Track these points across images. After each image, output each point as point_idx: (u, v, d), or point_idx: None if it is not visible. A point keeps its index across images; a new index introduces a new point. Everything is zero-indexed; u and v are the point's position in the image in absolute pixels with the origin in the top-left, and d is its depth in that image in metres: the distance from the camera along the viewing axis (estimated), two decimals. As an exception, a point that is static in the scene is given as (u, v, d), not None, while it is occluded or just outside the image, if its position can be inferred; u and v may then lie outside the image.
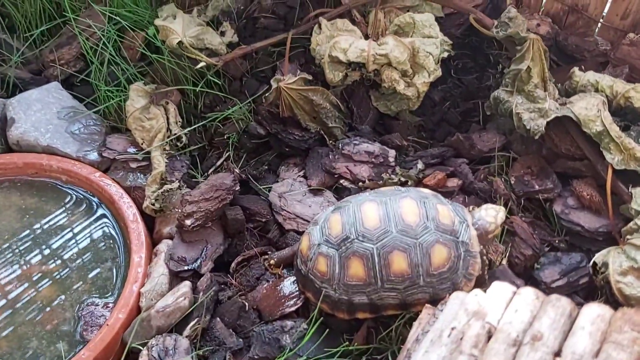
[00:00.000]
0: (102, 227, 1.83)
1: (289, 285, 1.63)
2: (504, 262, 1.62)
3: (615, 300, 1.53)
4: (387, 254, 1.44)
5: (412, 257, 1.43)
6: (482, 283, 1.53)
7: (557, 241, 1.69)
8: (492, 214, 1.57)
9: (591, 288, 1.60)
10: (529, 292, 1.13)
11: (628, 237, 1.57)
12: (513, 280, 1.61)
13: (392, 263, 1.43)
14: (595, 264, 1.58)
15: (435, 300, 1.45)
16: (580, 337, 1.02)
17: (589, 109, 1.71)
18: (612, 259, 1.53)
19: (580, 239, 1.68)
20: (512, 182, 1.79)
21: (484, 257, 1.54)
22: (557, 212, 1.70)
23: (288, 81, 1.93)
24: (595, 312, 1.05)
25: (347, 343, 1.51)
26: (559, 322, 1.05)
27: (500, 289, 1.17)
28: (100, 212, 1.87)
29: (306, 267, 1.54)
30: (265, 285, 1.65)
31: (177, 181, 1.88)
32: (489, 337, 1.10)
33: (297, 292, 1.60)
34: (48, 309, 1.66)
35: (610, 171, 1.66)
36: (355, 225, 1.48)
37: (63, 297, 1.69)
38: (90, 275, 1.73)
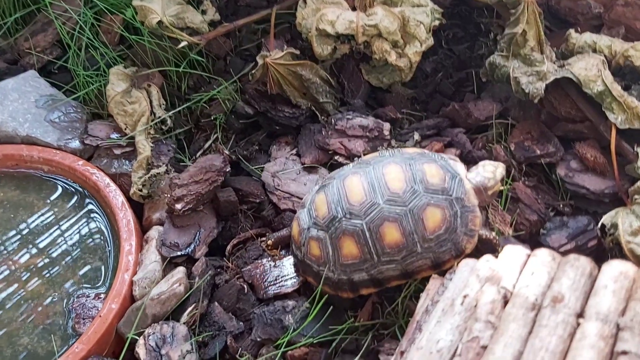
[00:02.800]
0: (89, 217, 1.76)
1: (288, 265, 1.56)
2: (510, 230, 1.56)
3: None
4: (378, 227, 1.37)
5: (405, 225, 1.37)
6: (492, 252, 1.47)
7: (562, 205, 1.64)
8: (490, 169, 1.50)
9: (600, 251, 1.56)
10: (544, 254, 1.07)
11: (636, 196, 1.53)
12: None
13: (384, 236, 1.37)
14: (603, 226, 1.53)
15: (438, 264, 1.39)
16: (603, 296, 0.96)
17: (588, 69, 1.65)
18: (622, 220, 1.49)
19: (586, 201, 1.63)
20: (512, 148, 1.74)
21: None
22: (561, 176, 1.65)
23: (275, 56, 1.86)
24: (617, 269, 1.00)
25: (352, 320, 1.45)
26: (579, 282, 0.99)
27: (513, 252, 1.12)
28: (85, 201, 1.79)
29: (301, 253, 1.48)
30: (262, 262, 1.59)
31: (164, 165, 1.80)
32: (505, 303, 1.04)
33: (295, 273, 1.54)
34: (36, 303, 1.59)
35: (614, 131, 1.61)
36: (340, 203, 1.42)
37: (51, 290, 1.61)
38: (79, 266, 1.65)
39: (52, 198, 1.79)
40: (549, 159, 1.68)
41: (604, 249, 1.55)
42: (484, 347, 1.00)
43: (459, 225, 1.39)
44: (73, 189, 1.81)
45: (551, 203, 1.65)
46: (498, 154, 1.70)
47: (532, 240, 1.60)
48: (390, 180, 1.40)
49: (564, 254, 1.46)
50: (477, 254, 1.40)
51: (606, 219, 1.53)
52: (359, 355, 1.40)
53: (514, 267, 1.08)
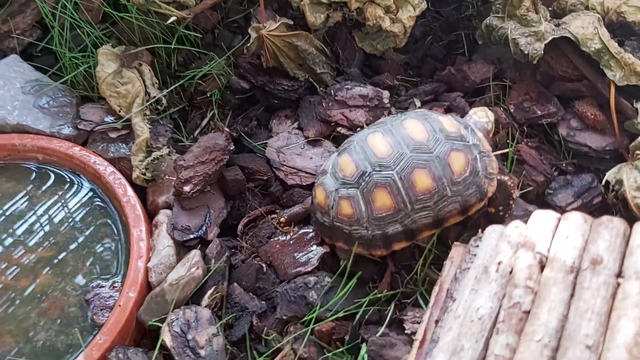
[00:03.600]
0: (91, 205, 1.71)
1: (305, 240, 1.57)
2: (517, 192, 1.59)
3: (630, 216, 1.53)
4: (409, 175, 1.41)
5: (434, 170, 1.41)
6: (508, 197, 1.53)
7: (564, 164, 1.68)
8: (483, 115, 1.62)
9: (604, 207, 1.60)
10: (576, 217, 1.10)
11: (637, 152, 1.57)
12: (526, 207, 1.60)
13: (416, 182, 1.41)
14: (607, 182, 1.58)
15: (466, 209, 1.45)
16: (639, 256, 1.00)
17: (585, 28, 1.67)
18: (626, 176, 1.53)
19: (588, 159, 1.68)
20: (512, 110, 1.76)
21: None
22: (563, 135, 1.68)
23: (270, 28, 1.82)
24: (648, 228, 1.03)
25: (375, 291, 1.47)
26: (615, 243, 1.03)
27: (542, 217, 1.14)
28: (86, 188, 1.74)
29: (329, 217, 1.47)
30: (278, 240, 1.59)
31: (165, 147, 1.76)
32: (542, 268, 1.07)
33: (316, 247, 1.55)
34: (49, 297, 1.55)
35: (612, 88, 1.65)
36: (367, 158, 1.44)
37: (62, 282, 1.58)
38: (88, 257, 1.62)
39: (51, 187, 1.74)
40: (550, 119, 1.71)
41: (607, 205, 1.60)
42: (526, 312, 1.03)
43: (480, 168, 1.46)
44: (71, 177, 1.76)
45: (554, 163, 1.69)
46: (499, 117, 1.72)
47: (539, 200, 1.64)
48: (412, 132, 1.45)
49: (571, 212, 1.52)
50: (494, 201, 1.51)
51: (610, 175, 1.58)
52: (384, 326, 1.42)
53: (546, 231, 1.11)
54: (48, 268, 1.60)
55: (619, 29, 1.80)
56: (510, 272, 1.10)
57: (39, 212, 1.69)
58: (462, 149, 1.45)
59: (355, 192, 1.44)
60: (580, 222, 1.09)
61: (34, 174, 1.76)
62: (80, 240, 1.65)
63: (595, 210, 1.59)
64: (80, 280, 1.58)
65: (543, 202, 1.63)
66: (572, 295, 1.01)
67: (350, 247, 1.46)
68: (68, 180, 1.75)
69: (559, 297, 1.01)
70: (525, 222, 1.18)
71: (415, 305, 1.47)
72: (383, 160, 1.43)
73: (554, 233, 1.11)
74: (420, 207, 1.42)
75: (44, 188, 1.74)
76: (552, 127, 1.73)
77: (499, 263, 1.12)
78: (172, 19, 1.84)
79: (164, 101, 1.86)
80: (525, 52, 1.70)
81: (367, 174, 1.43)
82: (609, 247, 1.02)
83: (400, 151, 1.43)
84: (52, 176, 1.76)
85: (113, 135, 1.82)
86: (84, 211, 1.70)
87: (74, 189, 1.74)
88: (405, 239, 1.45)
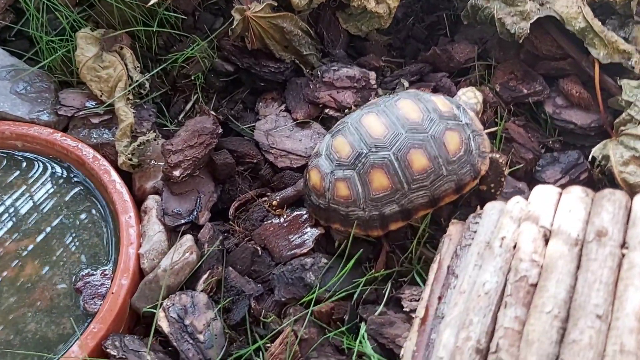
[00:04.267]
0: (76, 192, 1.67)
1: (298, 222, 1.56)
2: (507, 170, 1.61)
3: (616, 191, 1.57)
4: (405, 155, 1.41)
5: (429, 150, 1.42)
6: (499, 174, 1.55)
7: (551, 142, 1.71)
8: (471, 95, 1.63)
9: (590, 182, 1.64)
10: (578, 190, 1.12)
11: (622, 128, 1.61)
12: (515, 185, 1.63)
13: (412, 162, 1.42)
14: (594, 158, 1.61)
15: (460, 187, 1.46)
16: (642, 226, 1.03)
17: (569, 7, 1.69)
18: (612, 152, 1.56)
19: (574, 136, 1.71)
20: (498, 89, 1.78)
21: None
22: (550, 113, 1.71)
23: (255, 9, 1.79)
24: (648, 199, 1.06)
25: (372, 271, 1.47)
26: (618, 215, 1.05)
27: (544, 191, 1.16)
28: (69, 175, 1.69)
29: (325, 199, 1.47)
30: (271, 223, 1.58)
31: (150, 132, 1.72)
32: (546, 241, 1.09)
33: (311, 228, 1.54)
34: (36, 287, 1.51)
35: (597, 66, 1.68)
36: (363, 140, 1.44)
37: (50, 272, 1.54)
38: (75, 245, 1.58)
39: (32, 175, 1.69)
40: (537, 97, 1.74)
41: (593, 181, 1.64)
42: (533, 285, 1.04)
43: (474, 147, 1.48)
44: (54, 165, 1.71)
45: (541, 140, 1.71)
46: (487, 96, 1.74)
47: (527, 177, 1.66)
48: (406, 112, 1.46)
49: (560, 188, 1.55)
50: (485, 179, 1.53)
51: (596, 151, 1.61)
52: (382, 304, 1.43)
53: (548, 205, 1.13)
54: (34, 257, 1.55)
55: (599, 7, 1.83)
56: (514, 247, 1.11)
57: (21, 201, 1.64)
58: (456, 129, 1.46)
59: (351, 173, 1.43)
60: (582, 196, 1.11)
61: (13, 162, 1.70)
62: (66, 228, 1.61)
63: (581, 185, 1.62)
64: (67, 269, 1.54)
65: (532, 179, 1.66)
66: (578, 267, 1.03)
67: (347, 228, 1.46)
68: (50, 167, 1.70)
69: (565, 269, 1.02)
70: (525, 198, 1.19)
71: (412, 283, 1.48)
72: (379, 141, 1.43)
73: (556, 207, 1.13)
74: (417, 186, 1.43)
75: (25, 176, 1.68)
76: (538, 105, 1.76)
77: (503, 238, 1.13)
78: (153, 0, 1.80)
79: (147, 85, 1.82)
80: (512, 31, 1.71)
81: (363, 155, 1.43)
82: (613, 219, 1.04)
83: (395, 132, 1.43)
84: (34, 164, 1.71)
85: (95, 120, 1.77)
86: (69, 199, 1.65)
87: (57, 177, 1.69)
88: (401, 218, 1.46)
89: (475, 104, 1.61)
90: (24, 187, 1.67)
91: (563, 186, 1.55)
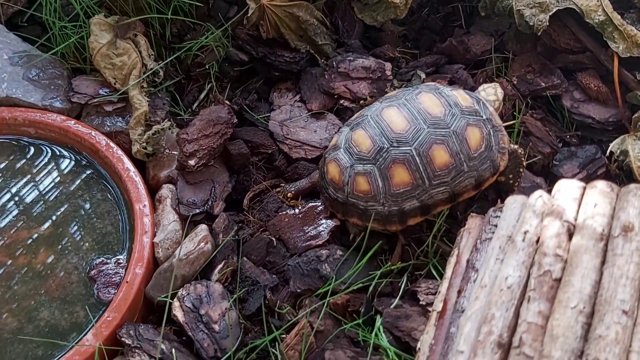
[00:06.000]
0: (89, 180, 1.66)
1: (313, 214, 1.55)
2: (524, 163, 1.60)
3: (634, 186, 1.55)
4: (427, 151, 1.40)
5: (451, 146, 1.42)
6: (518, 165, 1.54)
7: (569, 136, 1.70)
8: (491, 92, 1.61)
9: (608, 177, 1.62)
10: (603, 185, 1.11)
11: (640, 123, 1.59)
12: (533, 179, 1.61)
13: (434, 158, 1.41)
14: (611, 153, 1.60)
15: (480, 183, 1.46)
16: (668, 222, 1.01)
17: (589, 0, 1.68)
18: (631, 147, 1.55)
19: (591, 131, 1.69)
20: (515, 82, 1.76)
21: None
22: (568, 107, 1.69)
23: (270, -2, 1.77)
24: (674, 195, 1.05)
25: (388, 264, 1.46)
26: (644, 210, 1.04)
27: (567, 185, 1.15)
28: (82, 163, 1.68)
29: (344, 193, 1.45)
30: (286, 214, 1.57)
31: (165, 120, 1.71)
32: (570, 236, 1.08)
33: (327, 220, 1.53)
34: (50, 274, 1.51)
35: (616, 60, 1.66)
36: (384, 134, 1.42)
37: (63, 260, 1.53)
38: (89, 233, 1.57)
39: (45, 163, 1.68)
40: (555, 91, 1.72)
41: (611, 176, 1.63)
42: (557, 280, 1.03)
43: (494, 143, 1.47)
44: (67, 152, 1.70)
45: (558, 134, 1.70)
46: (504, 88, 1.72)
47: (545, 171, 1.65)
48: (428, 107, 1.44)
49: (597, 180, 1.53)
50: (504, 170, 1.52)
51: (614, 146, 1.60)
52: (397, 297, 1.42)
53: (571, 200, 1.11)
54: (48, 245, 1.55)
55: (618, 1, 1.81)
56: (537, 241, 1.10)
57: (35, 188, 1.63)
58: (477, 124, 1.45)
59: (372, 168, 1.42)
60: (607, 190, 1.10)
61: (24, 149, 1.69)
62: (80, 216, 1.60)
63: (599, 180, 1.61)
64: (81, 257, 1.54)
65: (549, 174, 1.64)
66: (602, 263, 1.02)
67: (365, 223, 1.45)
68: (63, 155, 1.69)
69: (591, 264, 1.01)
70: (548, 191, 1.18)
71: (428, 276, 1.47)
72: (400, 136, 1.41)
73: (580, 202, 1.11)
74: (437, 182, 1.42)
75: (37, 163, 1.67)
76: (556, 99, 1.74)
77: (526, 232, 1.12)
78: (168, -13, 1.78)
79: (161, 73, 1.80)
80: (530, 23, 1.69)
81: (384, 150, 1.41)
82: (639, 214, 1.03)
83: (417, 126, 1.42)
84: (47, 151, 1.70)
85: (108, 108, 1.76)
86: (82, 187, 1.64)
87: (70, 164, 1.68)
88: (420, 214, 1.45)
89: (494, 101, 1.58)
90: (36, 174, 1.66)
91: (581, 181, 1.56)
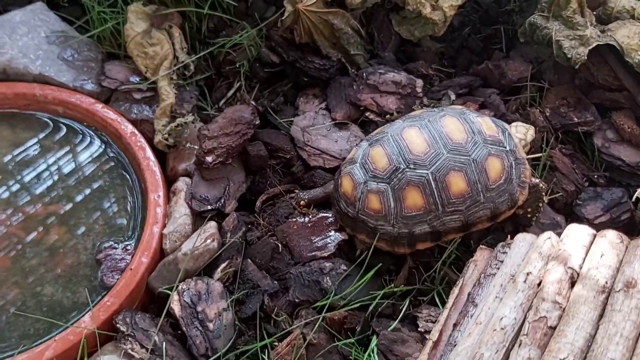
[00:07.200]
0: (109, 165, 1.68)
1: (323, 224, 1.54)
2: (546, 199, 1.56)
3: (657, 236, 1.49)
4: (444, 177, 1.37)
5: (469, 174, 1.38)
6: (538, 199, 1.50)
7: (596, 176, 1.64)
8: (522, 131, 1.55)
9: (632, 224, 1.57)
10: (613, 235, 1.07)
11: (672, 171, 1.53)
12: (553, 217, 1.57)
13: (450, 185, 1.37)
14: (638, 199, 1.54)
15: (496, 215, 1.42)
16: (676, 282, 0.97)
17: (631, 37, 1.62)
18: (659, 195, 1.49)
19: (620, 173, 1.63)
20: (548, 114, 1.71)
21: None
22: (598, 146, 1.64)
23: (307, 3, 1.76)
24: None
25: (392, 285, 1.44)
26: (652, 267, 1.00)
27: (577, 231, 1.11)
28: (105, 148, 1.71)
29: (355, 209, 1.44)
30: (296, 221, 1.56)
31: (189, 114, 1.72)
32: (572, 284, 1.04)
33: (335, 233, 1.51)
34: (59, 252, 1.53)
35: (653, 103, 1.60)
36: (402, 154, 1.40)
37: (74, 240, 1.56)
38: (102, 217, 1.60)
39: (69, 142, 1.71)
40: (587, 128, 1.67)
41: (635, 223, 1.57)
42: (552, 328, 1.00)
43: (514, 176, 1.43)
44: (91, 134, 1.72)
45: (586, 173, 1.64)
46: (537, 119, 1.68)
47: (567, 210, 1.60)
48: (450, 131, 1.41)
49: (599, 226, 1.49)
50: (523, 203, 1.47)
51: (640, 192, 1.54)
52: (397, 320, 1.40)
53: (580, 246, 1.08)
54: (60, 224, 1.58)
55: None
56: (539, 285, 1.07)
57: (54, 166, 1.66)
58: (500, 155, 1.41)
59: (385, 187, 1.40)
60: (617, 242, 1.06)
61: (51, 127, 1.73)
62: (95, 199, 1.62)
63: (622, 226, 1.55)
64: (92, 239, 1.56)
65: (571, 213, 1.59)
66: (600, 316, 0.99)
67: (373, 241, 1.43)
68: (88, 136, 1.72)
69: (588, 316, 0.98)
70: (557, 233, 1.14)
71: (431, 303, 1.45)
72: (418, 158, 1.39)
73: (587, 249, 1.08)
74: (451, 210, 1.39)
75: (61, 142, 1.70)
76: (587, 136, 1.69)
77: (528, 274, 1.09)
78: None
79: (192, 67, 1.82)
80: (569, 55, 1.65)
81: (400, 171, 1.39)
82: (646, 270, 0.99)
83: (437, 151, 1.39)
84: (73, 131, 1.73)
85: (137, 96, 1.78)
86: (101, 170, 1.67)
87: (92, 147, 1.70)
88: (430, 239, 1.42)
89: (520, 140, 1.52)
90: (59, 152, 1.69)
91: (603, 224, 1.52)
